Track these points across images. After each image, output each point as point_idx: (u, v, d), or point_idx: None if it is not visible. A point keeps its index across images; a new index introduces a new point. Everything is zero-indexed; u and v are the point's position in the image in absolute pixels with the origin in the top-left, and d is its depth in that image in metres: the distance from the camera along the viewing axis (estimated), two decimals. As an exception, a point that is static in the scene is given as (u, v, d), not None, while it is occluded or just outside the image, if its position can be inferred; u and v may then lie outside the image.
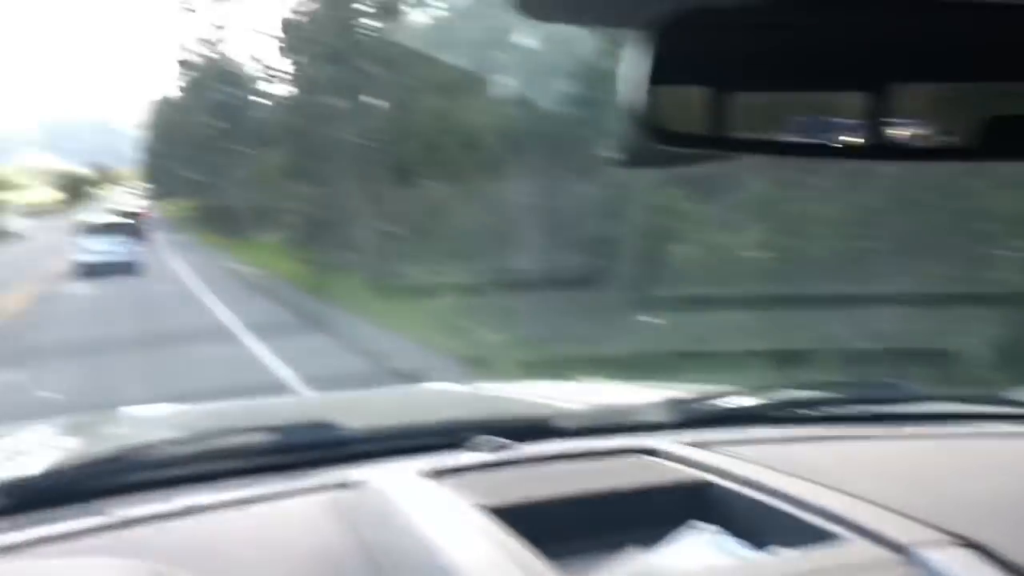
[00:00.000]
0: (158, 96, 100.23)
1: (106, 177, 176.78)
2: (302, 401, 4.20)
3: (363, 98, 21.00)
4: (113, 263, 22.24)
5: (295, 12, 24.95)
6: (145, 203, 72.07)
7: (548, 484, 1.36)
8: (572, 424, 1.67)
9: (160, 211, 75.86)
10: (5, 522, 1.32)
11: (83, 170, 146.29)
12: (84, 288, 18.54)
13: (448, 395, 2.71)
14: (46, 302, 16.36)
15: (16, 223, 68.88)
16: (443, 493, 1.31)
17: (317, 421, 1.65)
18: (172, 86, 48.80)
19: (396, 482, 1.37)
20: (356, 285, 18.93)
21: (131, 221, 29.05)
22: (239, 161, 43.26)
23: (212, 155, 43.88)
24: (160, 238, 42.42)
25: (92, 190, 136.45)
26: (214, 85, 40.35)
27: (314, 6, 23.72)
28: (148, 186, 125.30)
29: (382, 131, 19.89)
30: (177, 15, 44.39)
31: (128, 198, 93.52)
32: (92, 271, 21.64)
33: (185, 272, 22.24)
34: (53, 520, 1.32)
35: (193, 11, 41.84)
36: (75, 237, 24.80)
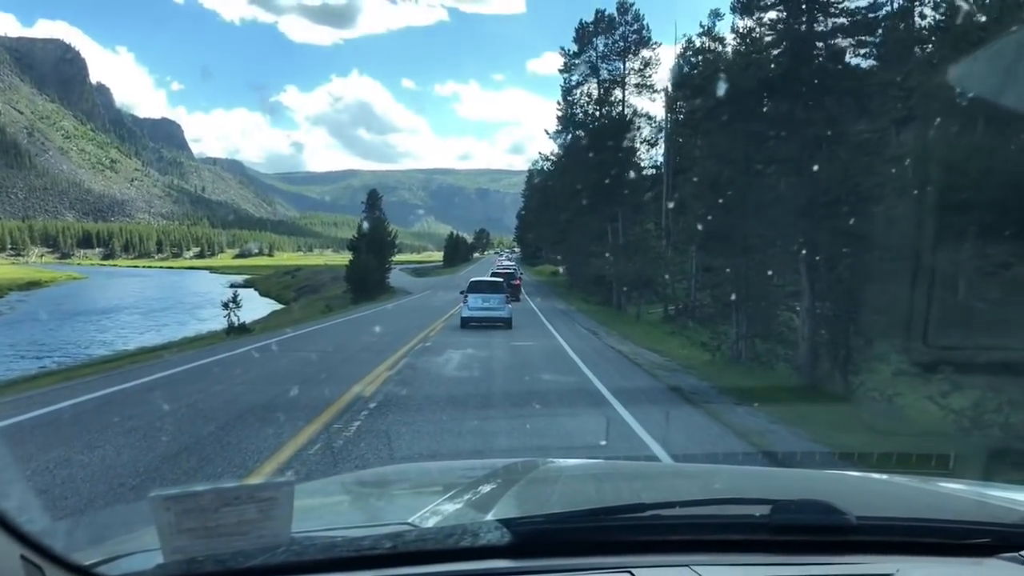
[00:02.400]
0: (535, 165, 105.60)
1: (483, 240, 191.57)
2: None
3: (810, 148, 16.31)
4: (491, 318, 24.17)
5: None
6: (517, 266, 73.39)
7: None
8: None
9: (529, 274, 77.15)
10: (510, 562, 1.31)
11: (463, 234, 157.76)
12: (461, 353, 15.91)
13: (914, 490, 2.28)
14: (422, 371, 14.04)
15: (406, 280, 73.89)
16: None
17: (825, 502, 1.49)
18: (549, 153, 47.44)
19: None
20: (790, 389, 14.17)
21: (505, 282, 29.15)
22: (612, 227, 40.91)
23: (584, 220, 41.90)
24: (532, 303, 40.71)
25: (471, 252, 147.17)
26: (596, 144, 38.02)
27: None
28: (519, 250, 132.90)
29: (845, 186, 14.81)
30: (557, 76, 42.40)
31: (502, 260, 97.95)
32: (472, 324, 23.94)
33: (564, 346, 18.65)
34: (564, 568, 1.29)
35: (580, 68, 40.19)
36: (451, 294, 26.70)
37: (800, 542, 1.45)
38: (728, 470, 3.62)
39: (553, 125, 44.00)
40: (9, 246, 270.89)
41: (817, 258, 15.92)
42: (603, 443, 7.79)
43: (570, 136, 42.26)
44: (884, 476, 2.65)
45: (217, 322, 44.05)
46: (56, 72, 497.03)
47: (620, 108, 40.27)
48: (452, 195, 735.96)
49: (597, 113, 40.85)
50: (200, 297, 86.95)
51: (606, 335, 23.77)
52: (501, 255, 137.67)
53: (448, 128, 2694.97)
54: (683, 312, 36.27)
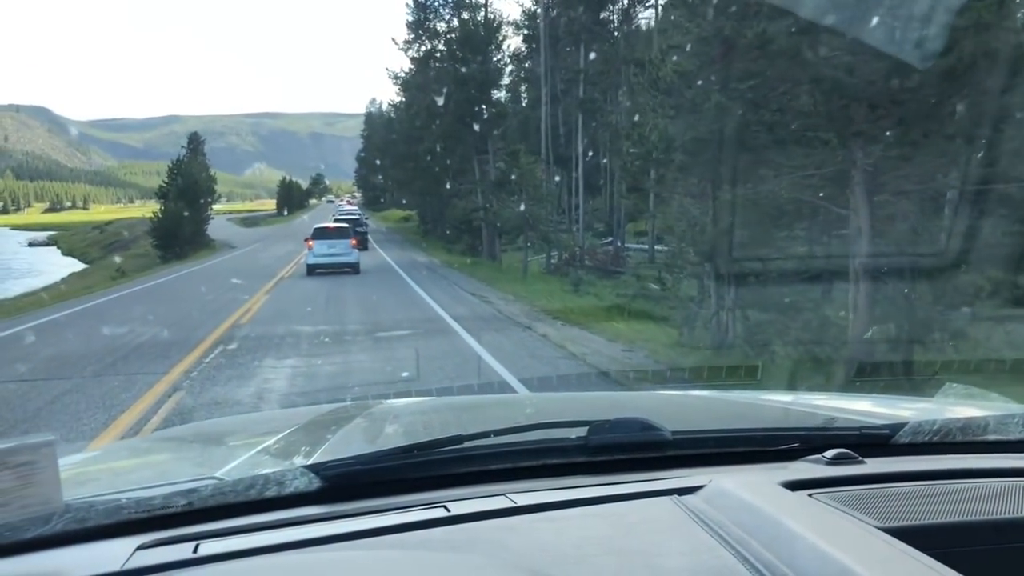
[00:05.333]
0: (375, 106, 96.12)
1: (320, 186, 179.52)
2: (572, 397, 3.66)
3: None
4: (338, 264, 24.08)
5: None
6: (361, 212, 65.47)
7: (935, 506, 1.21)
8: (919, 439, 1.51)
9: (375, 220, 68.96)
10: (320, 508, 1.25)
11: (299, 180, 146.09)
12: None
13: (757, 405, 2.34)
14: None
15: (232, 232, 64.32)
16: (822, 508, 1.18)
17: (640, 419, 1.48)
18: (399, 70, 39.66)
19: (760, 492, 1.22)
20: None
21: (350, 227, 27.39)
22: (480, 160, 33.99)
23: (444, 153, 34.71)
24: (387, 256, 33.28)
25: (309, 199, 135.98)
26: (457, 56, 30.66)
27: None
28: (360, 195, 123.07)
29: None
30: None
31: (344, 205, 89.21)
32: (319, 271, 23.80)
33: (461, 333, 11.74)
34: (376, 509, 1.25)
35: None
36: (283, 247, 23.66)
37: (617, 461, 1.43)
38: (552, 397, 3.62)
39: (402, 36, 35.94)
40: None
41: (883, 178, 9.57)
42: None
43: (423, 50, 34.47)
44: (700, 392, 2.81)
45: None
46: None
47: (484, 12, 32.78)
48: (284, 140, 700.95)
49: (456, 19, 33.19)
50: (-18, 260, 74.29)
51: (503, 303, 16.92)
52: (339, 200, 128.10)
53: (277, 68, 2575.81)
54: (570, 262, 30.02)
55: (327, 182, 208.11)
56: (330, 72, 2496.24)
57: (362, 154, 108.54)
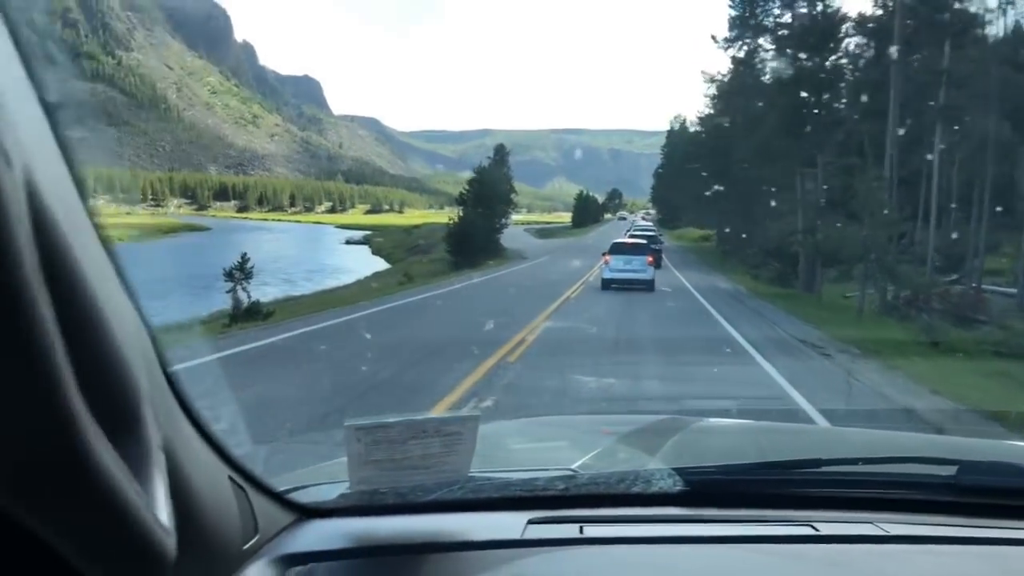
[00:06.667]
0: (677, 122, 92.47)
1: (616, 201, 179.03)
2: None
3: None
4: (633, 280, 23.42)
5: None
6: (657, 228, 62.26)
7: None
8: None
9: (669, 239, 65.30)
10: (680, 509, 1.30)
11: (595, 195, 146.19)
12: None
13: None
14: None
15: (526, 242, 63.82)
16: None
17: (1017, 464, 1.42)
18: (715, 73, 35.78)
19: None
20: None
21: (647, 244, 26.67)
22: (804, 176, 29.24)
23: (762, 166, 30.33)
24: (684, 279, 29.52)
25: (603, 214, 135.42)
26: (789, 54, 26.25)
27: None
28: (654, 212, 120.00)
29: None
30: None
31: (639, 221, 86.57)
32: (613, 286, 23.30)
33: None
34: (737, 518, 1.28)
35: None
36: (574, 261, 24.40)
37: (985, 505, 1.37)
38: (889, 436, 3.31)
39: (722, 34, 31.93)
40: (150, 197, 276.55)
41: None
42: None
43: (746, 48, 30.36)
44: None
45: (280, 288, 35.43)
46: (204, 29, 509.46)
47: (822, 3, 27.95)
48: (585, 156, 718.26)
49: (789, 13, 28.66)
50: (300, 256, 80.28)
51: (847, 358, 12.59)
52: (633, 215, 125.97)
53: (583, 87, 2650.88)
54: (912, 302, 24.44)
55: (622, 198, 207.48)
56: (632, 92, 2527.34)
57: (660, 170, 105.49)
